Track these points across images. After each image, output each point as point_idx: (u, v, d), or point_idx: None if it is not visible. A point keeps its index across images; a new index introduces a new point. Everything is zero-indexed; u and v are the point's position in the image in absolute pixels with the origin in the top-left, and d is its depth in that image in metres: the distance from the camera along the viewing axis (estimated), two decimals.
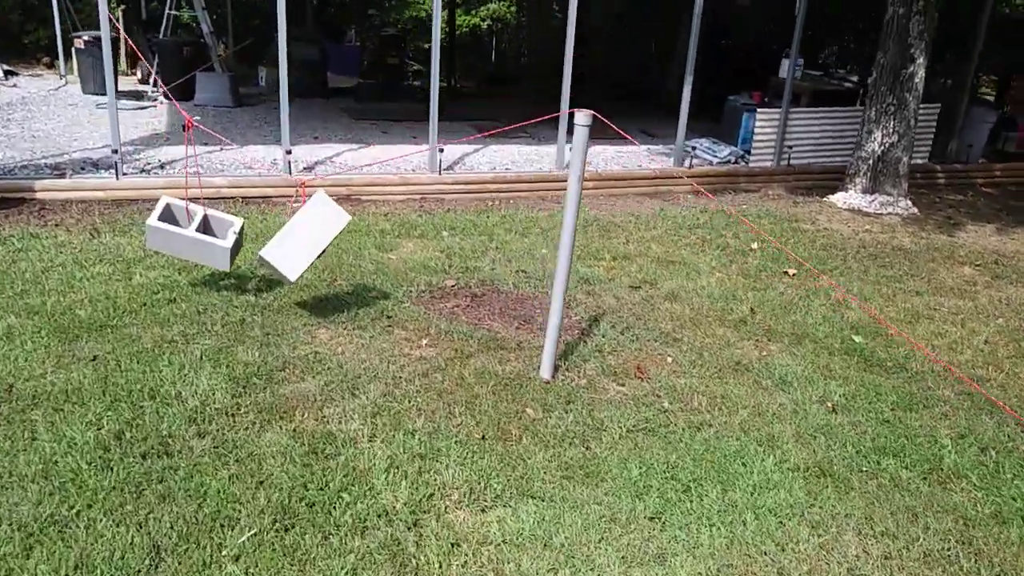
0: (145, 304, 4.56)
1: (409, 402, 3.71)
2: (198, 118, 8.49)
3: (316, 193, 4.37)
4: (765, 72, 10.74)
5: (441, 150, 7.84)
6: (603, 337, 4.60)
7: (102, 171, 7.15)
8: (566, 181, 3.54)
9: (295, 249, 4.24)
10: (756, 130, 9.20)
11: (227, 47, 13.60)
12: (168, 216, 4.55)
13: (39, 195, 6.61)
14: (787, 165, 9.33)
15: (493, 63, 18.57)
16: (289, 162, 7.36)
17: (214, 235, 4.59)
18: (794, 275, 6.10)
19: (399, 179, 7.60)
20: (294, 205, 4.50)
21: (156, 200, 6.89)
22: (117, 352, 3.95)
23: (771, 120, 9.21)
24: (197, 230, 4.50)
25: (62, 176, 6.82)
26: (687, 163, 9.06)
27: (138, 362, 3.87)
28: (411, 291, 5.13)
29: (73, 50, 12.67)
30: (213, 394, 3.63)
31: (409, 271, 5.50)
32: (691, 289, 5.57)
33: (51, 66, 14.42)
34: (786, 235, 7.26)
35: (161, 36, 12.18)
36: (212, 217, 4.62)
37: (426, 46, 20.41)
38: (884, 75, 8.28)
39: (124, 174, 6.94)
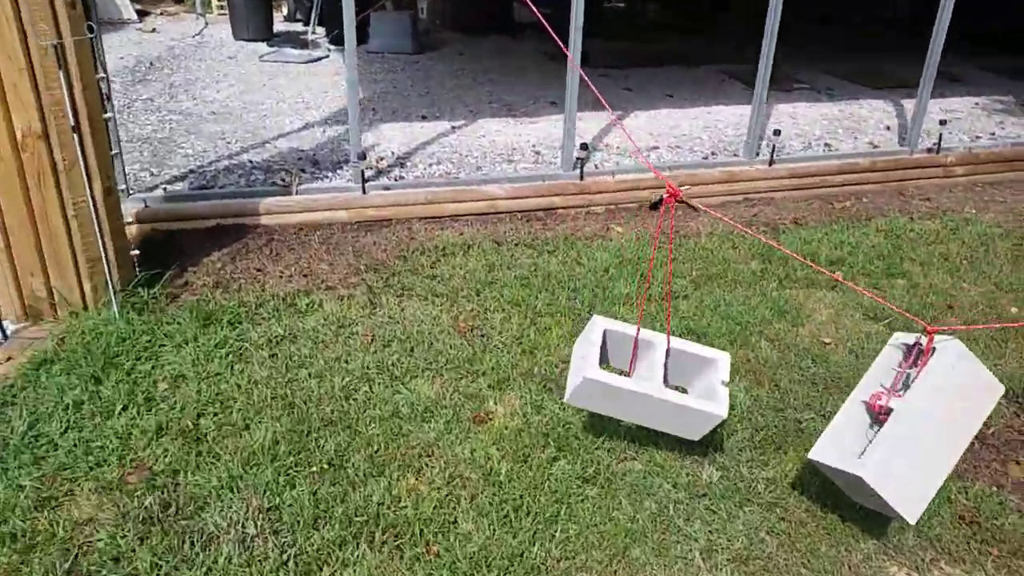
0: (615, 525, 2.66)
1: None
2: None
3: (947, 344, 2.32)
4: None
5: (777, 132, 5.64)
6: None
7: (327, 173, 5.27)
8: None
9: (908, 456, 2.23)
10: None
11: None
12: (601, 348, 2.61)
13: (263, 220, 4.78)
14: None
15: None
16: (580, 159, 5.29)
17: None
18: None
19: (724, 174, 5.48)
20: (906, 369, 2.46)
21: (410, 221, 4.95)
22: None
23: None
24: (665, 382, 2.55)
25: (287, 189, 4.95)
26: None
27: None
28: None
29: None
30: None
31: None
32: None
33: (179, 1, 12.60)
34: None
35: None
36: (677, 352, 2.64)
37: None
38: None
39: (365, 180, 5.02)
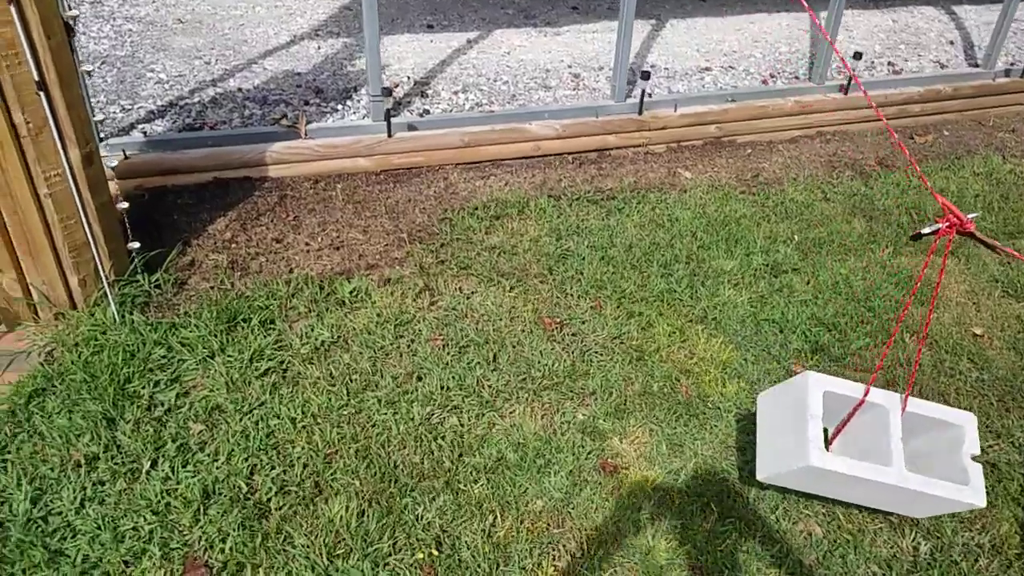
0: None
1: None
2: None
3: None
4: None
5: (858, 56, 4.90)
6: None
7: (335, 105, 4.41)
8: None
9: None
10: None
11: None
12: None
13: (271, 171, 3.95)
14: None
15: None
16: (642, 90, 4.50)
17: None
18: None
19: (797, 105, 4.76)
20: None
21: (444, 168, 4.06)
22: None
23: None
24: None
25: (295, 129, 4.09)
26: None
27: None
28: None
29: None
30: None
31: None
32: None
33: None
34: None
35: None
36: (913, 417, 2.04)
37: None
38: None
39: (393, 116, 4.18)
